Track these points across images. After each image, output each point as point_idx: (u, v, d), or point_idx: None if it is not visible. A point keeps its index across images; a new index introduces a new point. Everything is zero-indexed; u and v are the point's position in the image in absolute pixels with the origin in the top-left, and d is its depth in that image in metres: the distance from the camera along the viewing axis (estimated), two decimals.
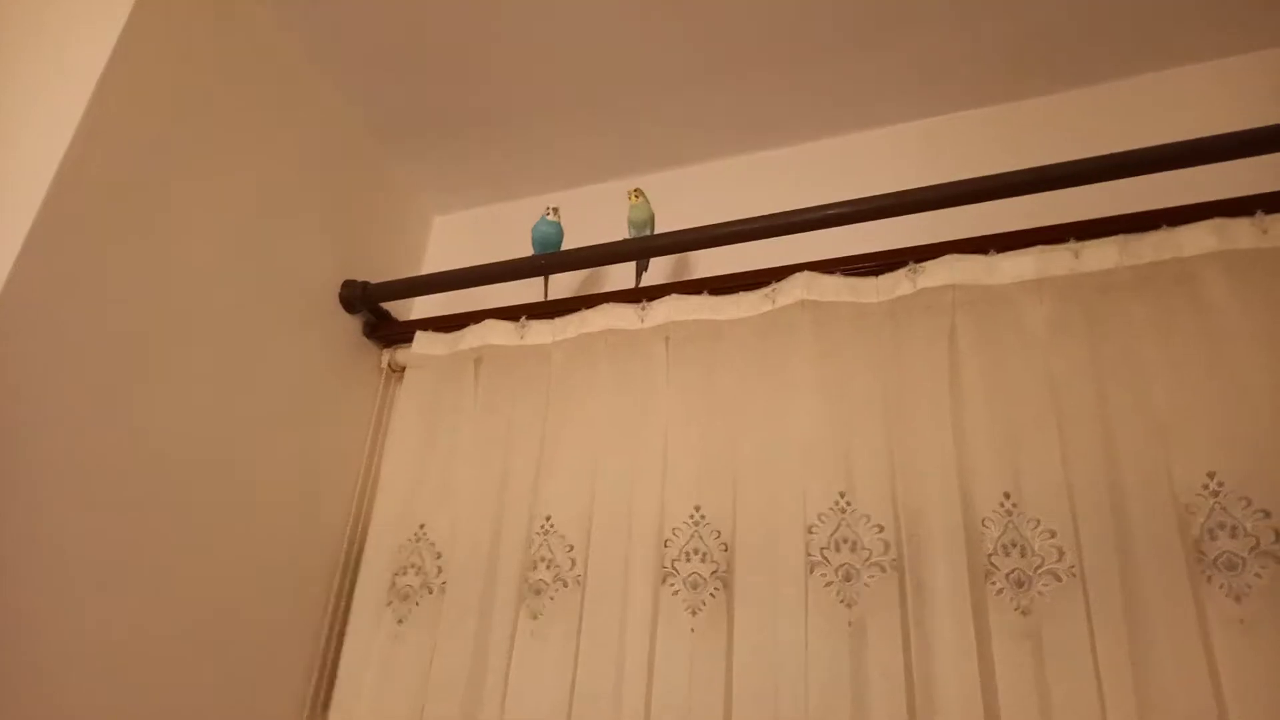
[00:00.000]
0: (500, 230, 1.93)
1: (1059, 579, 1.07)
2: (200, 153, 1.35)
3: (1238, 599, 0.98)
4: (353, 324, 1.70)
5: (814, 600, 1.16)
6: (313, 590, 1.52)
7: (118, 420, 1.18)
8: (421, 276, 1.67)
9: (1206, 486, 1.05)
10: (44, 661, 1.06)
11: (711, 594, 1.22)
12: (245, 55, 1.47)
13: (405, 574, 1.44)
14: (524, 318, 1.57)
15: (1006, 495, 1.13)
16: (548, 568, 1.33)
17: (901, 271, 1.32)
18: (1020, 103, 1.60)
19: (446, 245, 2.01)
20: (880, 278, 1.34)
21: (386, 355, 1.75)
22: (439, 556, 1.43)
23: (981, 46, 1.50)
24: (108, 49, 1.22)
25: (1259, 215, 1.14)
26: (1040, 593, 1.07)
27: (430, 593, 1.41)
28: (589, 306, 1.52)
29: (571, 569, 1.32)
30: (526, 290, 1.71)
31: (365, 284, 1.67)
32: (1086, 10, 1.42)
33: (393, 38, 1.57)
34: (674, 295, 1.45)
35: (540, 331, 1.54)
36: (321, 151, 1.66)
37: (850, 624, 1.13)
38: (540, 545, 1.36)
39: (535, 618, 1.30)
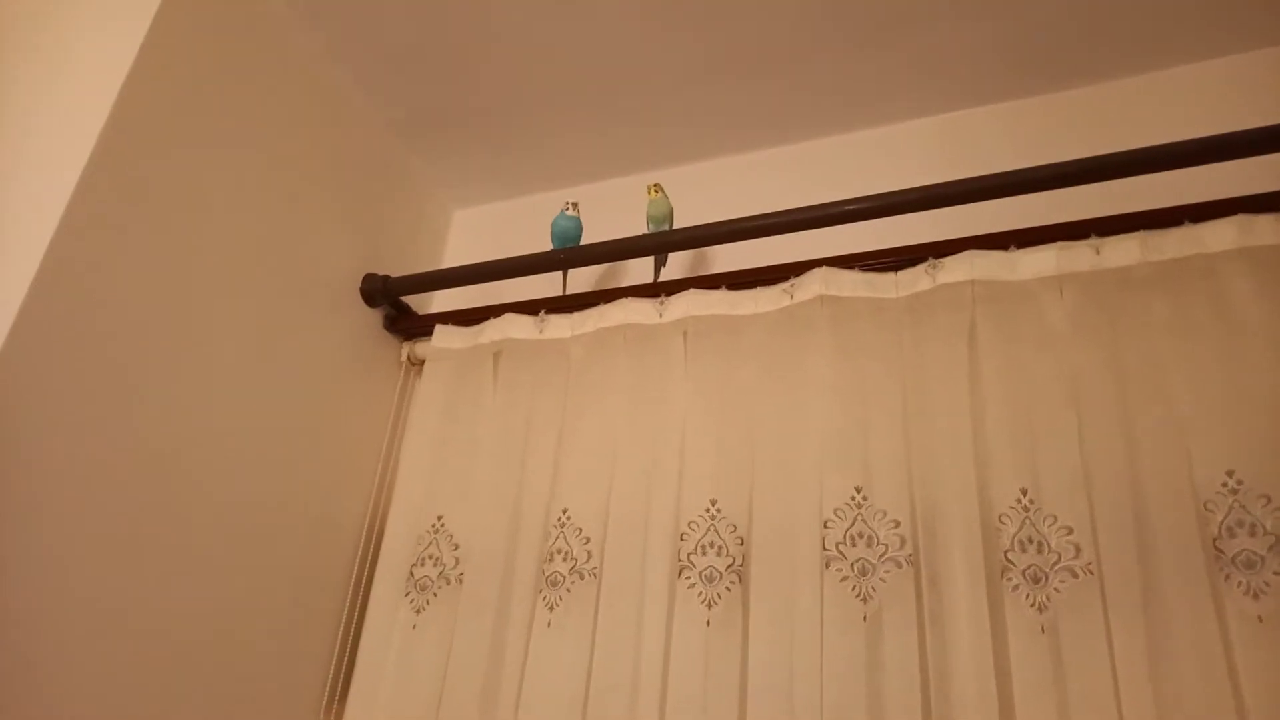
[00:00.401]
0: (519, 225, 1.95)
1: (1076, 575, 1.07)
2: (223, 149, 1.38)
3: (1256, 596, 0.99)
4: (373, 317, 1.73)
5: (829, 594, 1.17)
6: (332, 581, 1.54)
7: (141, 410, 1.21)
8: (441, 270, 1.69)
9: (1225, 484, 1.05)
10: (67, 654, 1.09)
11: (727, 587, 1.23)
12: (267, 53, 1.50)
13: (423, 565, 1.46)
14: (543, 312, 1.59)
15: (1024, 491, 1.14)
16: (564, 560, 1.35)
17: (921, 267, 1.33)
18: (1028, 100, 1.61)
19: (466, 239, 2.03)
20: (899, 273, 1.35)
21: (406, 348, 1.77)
22: (457, 548, 1.45)
23: (993, 43, 1.50)
24: (134, 48, 1.24)
25: None
26: (1057, 589, 1.07)
27: (448, 584, 1.43)
28: (608, 301, 1.54)
29: (588, 561, 1.34)
30: (545, 285, 1.73)
31: (386, 277, 1.70)
32: (1090, 8, 1.42)
33: (413, 35, 1.59)
34: (692, 290, 1.47)
35: (559, 326, 1.56)
36: (343, 147, 1.69)
37: (866, 618, 1.14)
38: (557, 537, 1.38)
39: (552, 609, 1.32)
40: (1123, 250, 1.22)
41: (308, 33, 1.58)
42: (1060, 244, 1.26)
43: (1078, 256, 1.24)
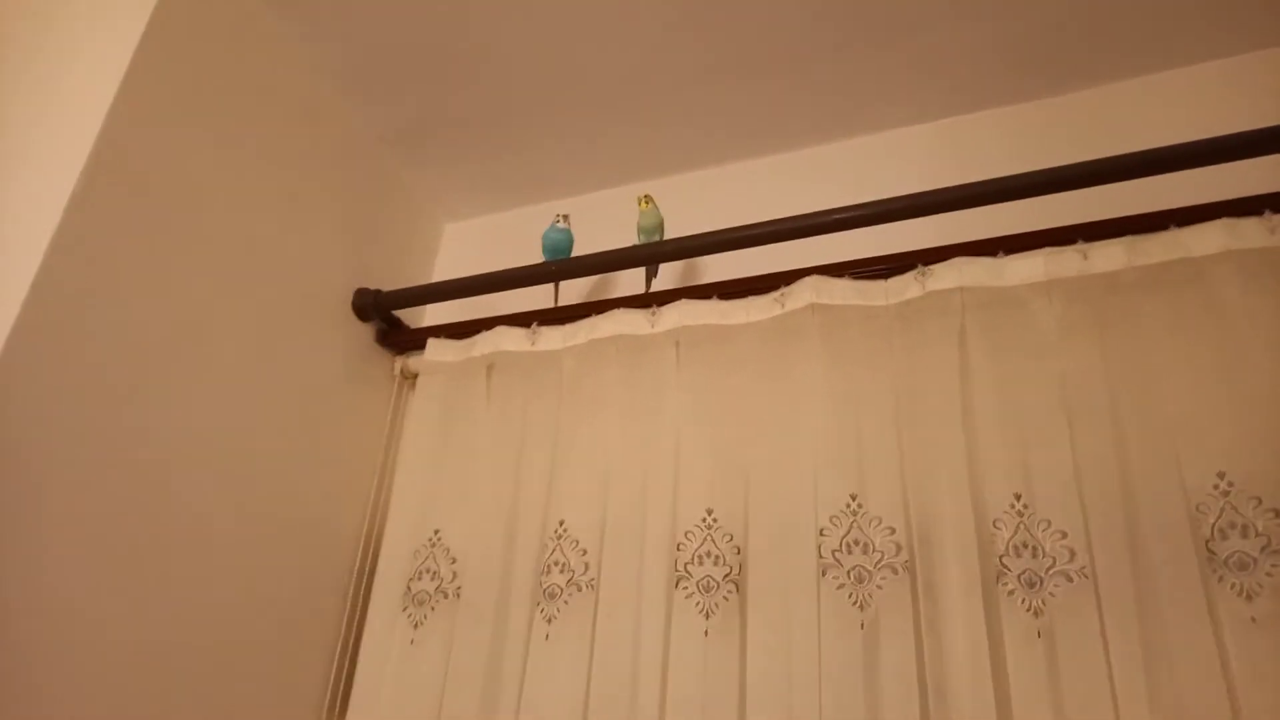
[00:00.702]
0: (511, 237, 1.95)
1: (1070, 579, 1.08)
2: (214, 164, 1.38)
3: (1249, 598, 1.00)
4: (365, 331, 1.73)
5: (826, 602, 1.17)
6: (328, 597, 1.54)
7: (133, 424, 1.21)
8: (433, 284, 1.69)
9: (1217, 486, 1.06)
10: (61, 667, 1.09)
11: (724, 597, 1.24)
12: (258, 65, 1.50)
13: (420, 580, 1.46)
14: (535, 324, 1.59)
15: (1017, 496, 1.15)
16: (561, 572, 1.35)
17: (910, 274, 1.34)
18: (1026, 104, 1.62)
19: (457, 252, 2.03)
20: (889, 281, 1.36)
21: (399, 362, 1.77)
22: (454, 562, 1.45)
23: (986, 48, 1.51)
24: (125, 60, 1.25)
25: (1266, 215, 1.16)
26: (1052, 593, 1.08)
27: (445, 598, 1.43)
28: (600, 312, 1.54)
29: (585, 573, 1.34)
30: (537, 296, 1.73)
31: (377, 292, 1.70)
32: (1088, 11, 1.43)
33: (403, 46, 1.59)
34: (684, 300, 1.47)
35: (551, 337, 1.56)
36: (333, 160, 1.69)
37: (863, 626, 1.14)
38: (554, 549, 1.38)
39: (550, 621, 1.32)
40: (1110, 255, 1.23)
41: (298, 45, 1.58)
42: (1048, 250, 1.27)
43: (1065, 262, 1.25)
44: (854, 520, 1.21)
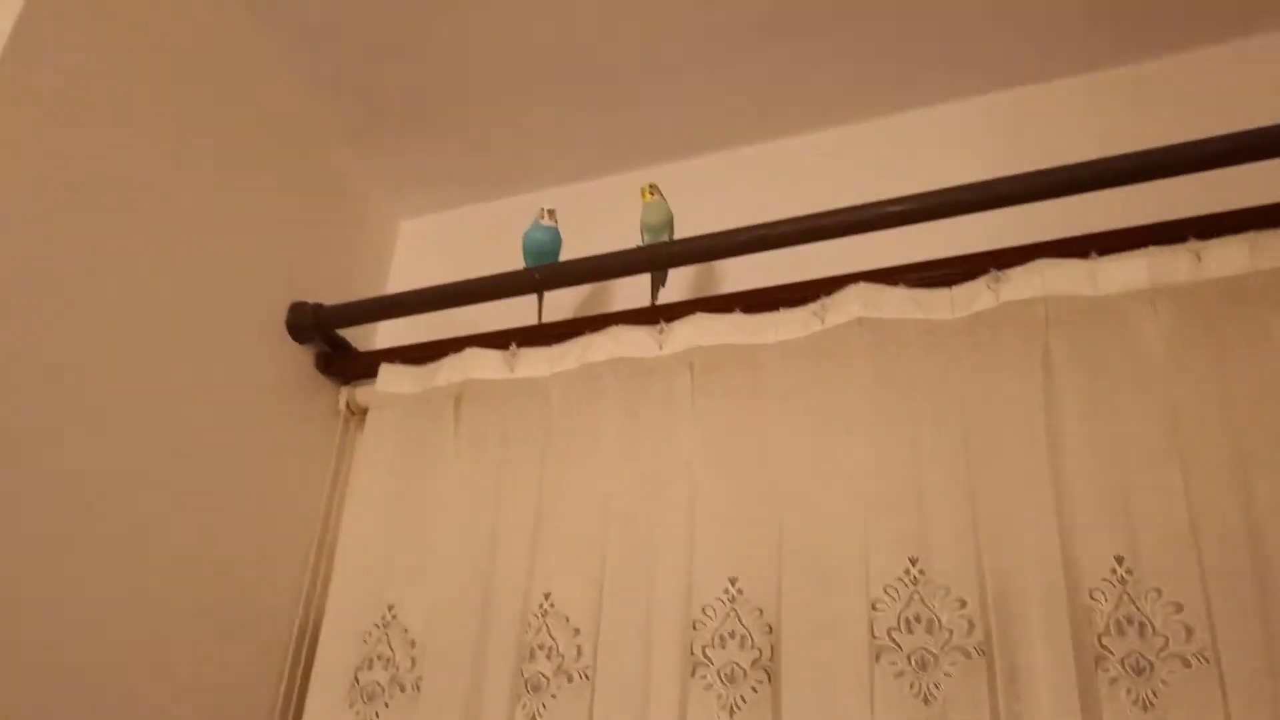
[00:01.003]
0: (482, 237, 1.96)
1: (1188, 664, 1.07)
2: (132, 149, 1.39)
3: None
4: (304, 356, 1.73)
5: (881, 694, 1.16)
6: (256, 690, 1.53)
7: (29, 469, 1.20)
8: (386, 297, 1.70)
9: None
10: None
11: (753, 688, 1.23)
12: (187, 26, 1.52)
13: (371, 668, 1.45)
14: (514, 345, 1.60)
15: (1119, 560, 1.14)
16: (548, 657, 1.35)
17: (981, 281, 1.34)
18: (1117, 70, 1.63)
19: (416, 256, 2.05)
20: (954, 289, 1.36)
21: (345, 394, 1.77)
22: (413, 645, 1.45)
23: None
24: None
25: None
26: (1165, 682, 1.07)
27: (403, 690, 1.42)
28: (594, 329, 1.55)
29: (578, 659, 1.33)
30: (516, 311, 1.73)
31: (317, 306, 1.70)
32: None
33: (355, 11, 1.60)
34: (699, 314, 1.48)
35: (535, 361, 1.57)
36: (269, 146, 1.70)
37: None
38: (538, 629, 1.37)
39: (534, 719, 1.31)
40: (1229, 256, 1.23)
41: (230, 14, 1.59)
42: (1152, 249, 1.27)
43: (1174, 264, 1.25)
44: (914, 590, 1.20)
